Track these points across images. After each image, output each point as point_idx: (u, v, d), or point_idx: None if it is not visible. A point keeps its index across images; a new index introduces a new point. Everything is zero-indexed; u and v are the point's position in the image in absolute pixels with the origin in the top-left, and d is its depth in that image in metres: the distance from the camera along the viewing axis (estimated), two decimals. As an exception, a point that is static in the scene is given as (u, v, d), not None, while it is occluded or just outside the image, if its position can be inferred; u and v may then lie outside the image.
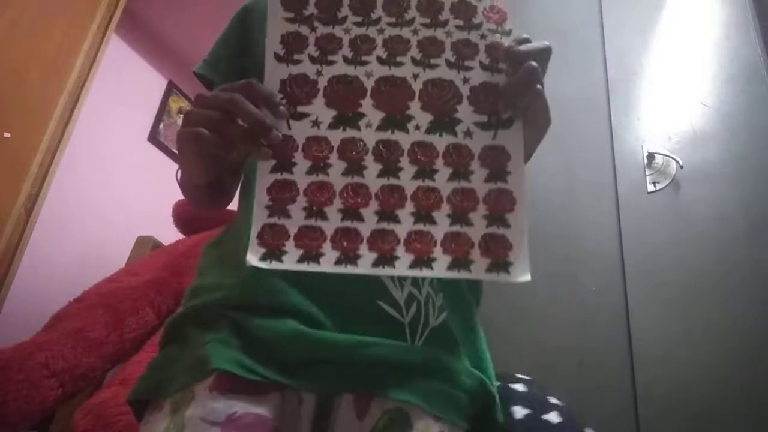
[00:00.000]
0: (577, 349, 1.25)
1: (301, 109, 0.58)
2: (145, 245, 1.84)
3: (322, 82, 0.58)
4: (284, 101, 0.58)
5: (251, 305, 0.59)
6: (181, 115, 3.38)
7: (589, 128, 1.47)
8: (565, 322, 1.28)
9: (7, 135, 1.92)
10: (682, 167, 1.30)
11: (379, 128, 0.58)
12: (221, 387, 0.55)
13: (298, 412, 0.59)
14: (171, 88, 3.35)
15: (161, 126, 3.27)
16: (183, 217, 1.78)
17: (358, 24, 0.59)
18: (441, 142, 0.58)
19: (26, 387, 1.22)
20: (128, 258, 1.87)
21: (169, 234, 1.83)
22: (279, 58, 0.59)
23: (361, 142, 0.58)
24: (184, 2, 2.91)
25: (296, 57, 0.59)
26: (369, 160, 0.57)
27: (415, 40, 0.59)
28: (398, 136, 0.58)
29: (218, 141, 0.55)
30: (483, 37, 0.59)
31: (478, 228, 0.56)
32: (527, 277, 0.55)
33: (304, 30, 0.59)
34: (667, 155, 1.33)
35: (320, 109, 0.58)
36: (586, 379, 1.21)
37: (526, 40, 0.58)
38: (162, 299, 1.46)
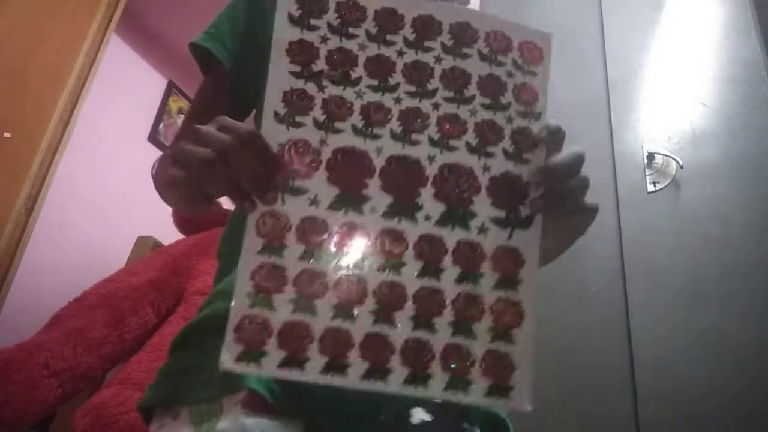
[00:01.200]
0: (577, 349, 1.25)
1: (299, 183, 0.50)
2: (145, 245, 1.84)
3: (326, 154, 0.51)
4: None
5: None
6: (182, 116, 3.38)
7: (589, 128, 1.47)
8: (565, 322, 1.28)
9: (7, 135, 1.92)
10: (682, 167, 1.30)
11: (385, 215, 0.51)
12: (253, 404, 0.55)
13: None
14: (171, 88, 3.35)
15: (161, 126, 3.27)
16: (183, 217, 1.78)
17: (373, 88, 0.52)
18: (452, 237, 0.51)
19: (26, 387, 1.22)
20: (128, 258, 1.87)
21: (169, 234, 1.83)
22: (279, 119, 0.51)
23: (363, 230, 0.50)
24: (184, 2, 2.91)
25: (299, 119, 0.51)
26: (369, 252, 0.50)
27: (435, 115, 0.52)
28: (405, 225, 0.51)
29: (209, 187, 0.49)
30: (510, 120, 0.53)
31: (480, 342, 0.50)
32: (527, 407, 0.49)
33: (310, 88, 0.52)
34: (667, 155, 1.33)
35: (321, 186, 0.50)
36: (586, 379, 1.21)
37: (558, 131, 0.53)
38: (162, 299, 1.46)
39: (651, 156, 1.36)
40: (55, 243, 2.53)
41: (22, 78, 1.96)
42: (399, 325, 0.49)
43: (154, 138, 3.21)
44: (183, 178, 0.49)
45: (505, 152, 0.53)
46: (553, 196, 0.51)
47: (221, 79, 0.78)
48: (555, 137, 0.52)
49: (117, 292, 1.46)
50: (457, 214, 0.52)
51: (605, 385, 1.19)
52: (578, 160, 0.52)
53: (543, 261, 0.55)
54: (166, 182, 0.53)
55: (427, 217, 0.51)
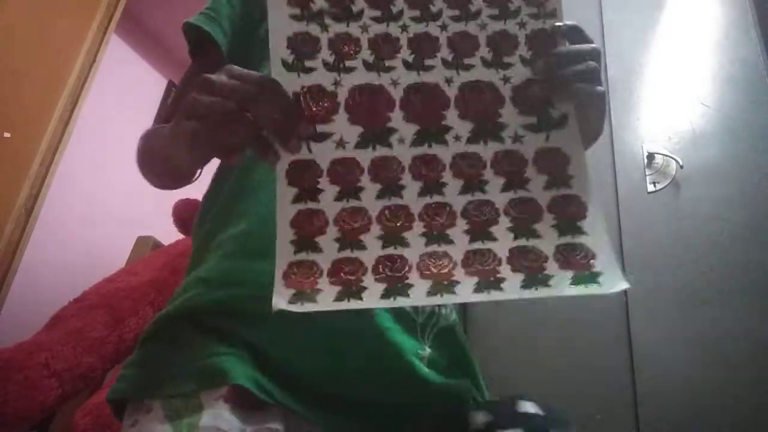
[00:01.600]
0: (577, 350, 1.25)
1: (321, 128, 0.50)
2: (145, 245, 1.84)
3: (342, 94, 0.50)
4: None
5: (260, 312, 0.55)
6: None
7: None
8: (565, 321, 1.28)
9: (7, 135, 1.92)
10: (682, 167, 1.30)
11: (414, 143, 0.50)
12: (236, 399, 0.53)
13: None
14: (171, 88, 3.35)
15: (163, 123, 3.27)
16: (183, 217, 1.78)
17: (377, 20, 0.51)
18: (487, 150, 0.51)
19: (26, 387, 1.22)
20: (128, 258, 1.87)
21: (169, 234, 1.83)
22: (288, 66, 0.50)
23: (395, 161, 0.50)
24: (184, 2, 2.91)
25: (308, 64, 0.50)
26: (407, 179, 0.50)
27: (445, 37, 0.51)
28: (437, 149, 0.50)
29: (232, 138, 0.47)
30: (522, 25, 0.51)
31: (549, 240, 0.49)
32: (623, 286, 0.47)
33: (314, 29, 0.50)
34: (667, 155, 1.33)
35: (344, 127, 0.50)
36: (586, 379, 1.21)
37: (575, 29, 0.52)
38: (162, 299, 1.46)
39: (651, 156, 1.36)
40: (55, 243, 2.53)
41: (22, 78, 1.96)
42: (455, 240, 0.49)
43: (154, 138, 3.20)
44: (203, 132, 0.47)
45: (523, 59, 0.51)
46: (563, 80, 0.51)
47: (216, 64, 0.77)
48: (572, 29, 0.52)
49: (117, 292, 1.46)
50: (486, 129, 0.51)
51: (605, 385, 1.19)
52: (590, 49, 0.52)
53: (587, 147, 0.56)
54: (179, 138, 0.49)
55: (457, 137, 0.51)
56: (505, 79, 0.51)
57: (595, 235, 0.50)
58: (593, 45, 0.52)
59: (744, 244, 1.18)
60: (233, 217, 0.65)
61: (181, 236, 1.79)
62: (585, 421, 1.17)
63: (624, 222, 1.32)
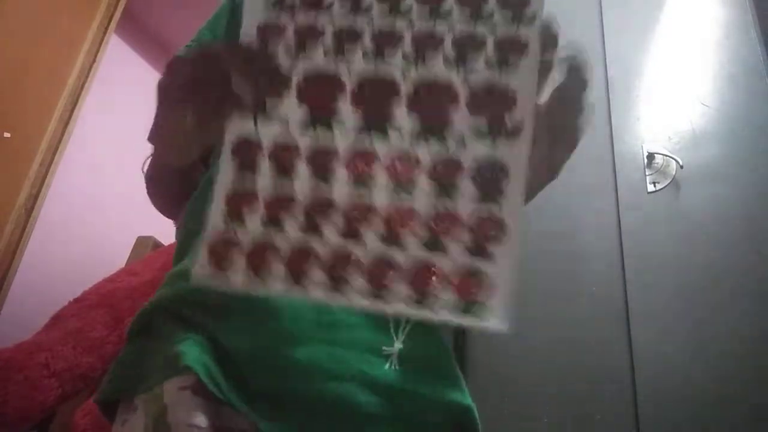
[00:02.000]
0: (577, 350, 1.25)
1: (270, 107, 0.51)
2: (145, 245, 1.84)
3: (297, 76, 0.51)
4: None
5: (225, 304, 0.57)
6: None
7: (589, 128, 1.47)
8: (565, 322, 1.28)
9: (7, 135, 1.92)
10: (682, 167, 1.30)
11: (356, 131, 0.50)
12: (195, 387, 0.53)
13: None
14: (171, 88, 3.35)
15: (161, 126, 3.27)
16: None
17: (344, 12, 0.52)
18: (427, 151, 0.49)
19: (26, 387, 1.22)
20: (128, 258, 1.87)
21: (169, 234, 1.82)
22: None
23: (332, 148, 0.50)
24: (184, 2, 2.91)
25: (271, 50, 0.52)
26: (338, 167, 0.50)
27: (410, 33, 0.51)
28: (377, 142, 0.50)
29: (219, 95, 0.50)
30: (493, 29, 0.50)
31: (453, 258, 0.47)
32: (502, 326, 0.46)
33: (283, 19, 0.52)
34: (667, 155, 1.33)
35: (291, 108, 0.51)
36: (586, 379, 1.21)
37: (553, 37, 0.49)
38: (162, 299, 1.46)
39: (651, 156, 1.36)
40: (55, 243, 2.53)
41: (22, 78, 1.96)
42: (367, 241, 0.48)
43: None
44: (199, 105, 0.50)
45: (488, 62, 0.49)
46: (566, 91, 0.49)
47: None
48: (547, 33, 0.48)
49: (117, 292, 1.46)
50: (432, 128, 0.49)
51: (605, 385, 1.19)
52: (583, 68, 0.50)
53: (535, 182, 0.53)
54: (169, 112, 0.53)
55: (400, 133, 0.50)
56: (465, 80, 0.49)
57: (503, 265, 0.47)
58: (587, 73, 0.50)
59: (744, 244, 1.18)
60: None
61: (181, 236, 1.79)
62: (585, 421, 1.17)
63: (624, 222, 1.32)
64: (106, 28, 2.26)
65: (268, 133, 0.51)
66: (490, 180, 0.48)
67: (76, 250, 2.66)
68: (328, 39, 0.51)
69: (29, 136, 2.00)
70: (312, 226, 0.49)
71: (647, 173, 1.35)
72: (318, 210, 0.49)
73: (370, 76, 0.51)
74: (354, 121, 0.50)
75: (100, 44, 2.23)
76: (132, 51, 3.11)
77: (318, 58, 0.51)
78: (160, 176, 0.68)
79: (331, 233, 0.48)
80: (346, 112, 0.50)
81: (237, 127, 0.51)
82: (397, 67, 0.51)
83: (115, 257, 2.03)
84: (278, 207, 0.49)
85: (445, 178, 0.49)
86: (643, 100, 1.45)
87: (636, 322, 1.22)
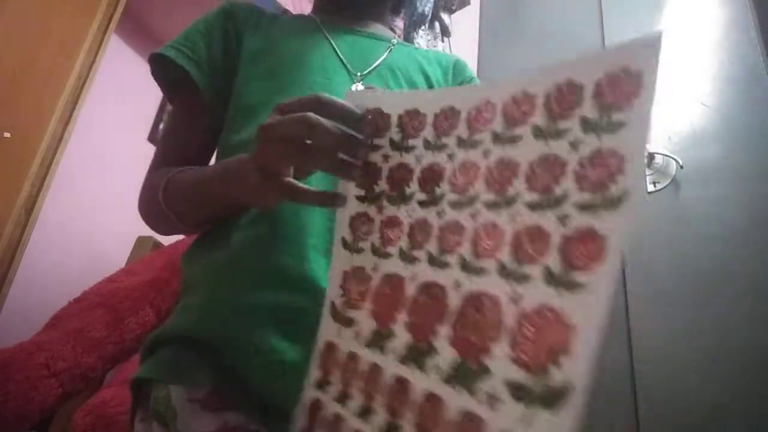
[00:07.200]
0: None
1: (350, 314, 0.47)
2: (145, 245, 1.84)
3: (375, 281, 0.46)
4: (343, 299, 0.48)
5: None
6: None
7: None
8: (565, 322, 1.28)
9: (7, 135, 1.92)
10: (682, 167, 1.30)
11: (402, 359, 0.42)
12: (205, 401, 0.55)
13: None
14: (171, 88, 3.35)
15: (161, 126, 3.27)
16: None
17: (422, 203, 0.45)
18: (455, 400, 0.38)
19: (26, 387, 1.22)
20: (128, 258, 1.87)
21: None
22: (346, 245, 0.49)
23: (383, 376, 0.43)
24: (184, 2, 2.91)
25: (360, 245, 0.48)
26: (378, 403, 0.43)
27: (472, 228, 0.41)
28: (414, 376, 0.41)
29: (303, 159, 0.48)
30: (563, 220, 0.36)
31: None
32: None
33: (371, 211, 0.48)
34: (667, 155, 1.33)
35: (364, 319, 0.46)
36: (586, 379, 1.21)
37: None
38: (162, 299, 1.46)
39: (651, 156, 1.36)
40: (55, 243, 2.53)
41: (22, 78, 1.96)
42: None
43: (154, 138, 3.20)
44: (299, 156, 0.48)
45: (548, 274, 0.35)
46: None
47: (197, 105, 0.75)
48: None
49: (117, 292, 1.46)
50: (470, 370, 0.37)
51: (605, 385, 1.19)
52: None
53: None
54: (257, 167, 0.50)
55: (438, 369, 0.40)
56: (514, 300, 0.37)
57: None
58: None
59: (744, 244, 1.18)
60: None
61: (181, 236, 1.79)
62: (585, 420, 1.17)
63: (624, 222, 1.32)
64: (106, 28, 2.25)
65: (345, 345, 0.47)
66: None
67: (76, 250, 2.66)
68: (405, 236, 0.46)
69: (29, 136, 2.00)
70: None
71: (647, 173, 1.35)
72: None
73: (430, 284, 0.43)
74: (402, 344, 0.43)
75: (100, 44, 2.23)
76: (132, 51, 3.11)
77: (394, 259, 0.46)
78: (203, 205, 0.66)
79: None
80: (400, 330, 0.44)
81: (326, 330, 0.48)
82: (451, 274, 0.42)
83: (115, 257, 2.03)
84: None
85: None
86: (643, 100, 1.44)
87: (636, 322, 1.22)
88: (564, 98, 0.37)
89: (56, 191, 2.17)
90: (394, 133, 0.48)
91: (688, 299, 1.18)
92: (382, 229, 0.47)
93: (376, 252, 0.46)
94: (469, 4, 1.99)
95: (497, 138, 0.41)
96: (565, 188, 0.36)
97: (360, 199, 0.49)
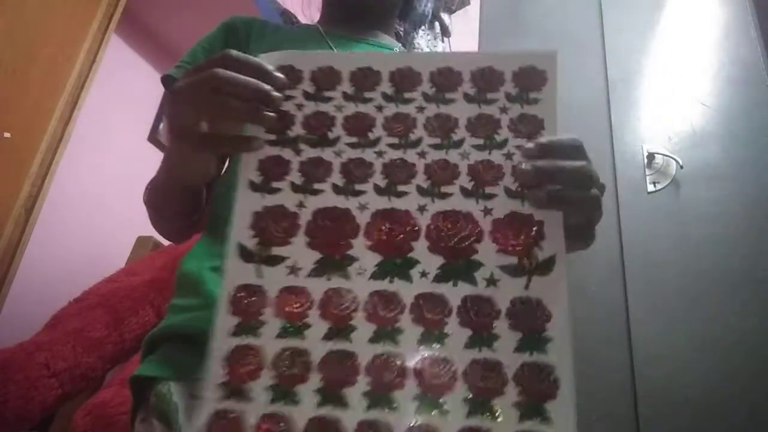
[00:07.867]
0: (577, 349, 1.25)
1: (275, 251, 0.46)
2: (145, 245, 1.84)
3: (305, 217, 0.47)
4: (256, 240, 0.46)
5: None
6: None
7: (589, 128, 1.47)
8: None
9: (7, 135, 1.92)
10: (682, 167, 1.30)
11: (375, 276, 0.45)
12: None
13: None
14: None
15: (161, 126, 3.27)
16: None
17: (352, 145, 0.49)
18: (455, 293, 0.43)
19: (26, 387, 1.22)
20: (128, 258, 1.87)
21: (169, 234, 1.82)
22: (254, 187, 0.48)
23: (350, 295, 0.44)
24: (184, 2, 2.91)
25: (275, 185, 0.48)
26: (359, 318, 0.43)
27: (422, 164, 0.47)
28: (399, 285, 0.44)
29: (222, 113, 0.48)
30: (509, 156, 0.47)
31: (505, 422, 0.40)
32: None
33: (287, 153, 0.49)
34: (667, 155, 1.33)
35: (300, 252, 0.46)
36: (586, 378, 1.21)
37: (550, 145, 0.47)
38: (162, 299, 1.46)
39: (651, 156, 1.36)
40: (55, 243, 2.53)
41: (22, 78, 1.96)
42: (400, 407, 0.41)
43: (154, 138, 3.20)
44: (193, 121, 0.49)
45: (508, 191, 0.46)
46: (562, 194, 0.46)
47: None
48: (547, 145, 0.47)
49: (117, 292, 1.47)
50: (458, 266, 0.44)
51: (605, 384, 1.19)
52: (568, 141, 0.48)
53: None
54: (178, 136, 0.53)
55: (424, 274, 0.44)
56: (486, 211, 0.46)
57: (560, 425, 0.40)
58: (574, 139, 0.49)
59: (744, 244, 1.18)
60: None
61: (181, 236, 1.79)
62: (585, 419, 1.17)
63: (624, 222, 1.32)
64: (106, 28, 2.25)
65: (274, 282, 0.45)
66: (533, 324, 0.43)
67: (76, 250, 2.66)
68: (337, 173, 0.48)
69: (29, 136, 2.00)
70: (332, 395, 0.42)
71: (647, 173, 1.35)
72: (339, 370, 0.42)
73: (385, 212, 0.47)
74: (371, 264, 0.45)
75: (100, 44, 2.23)
76: (132, 51, 3.11)
77: (327, 194, 0.48)
78: (166, 197, 0.68)
79: (357, 401, 0.41)
80: (362, 253, 0.46)
81: (236, 276, 0.46)
82: (413, 200, 0.47)
83: (115, 257, 2.03)
84: (288, 370, 0.42)
85: (479, 323, 0.43)
86: (643, 100, 1.45)
87: (636, 322, 1.22)
88: (488, 78, 0.49)
89: (56, 191, 2.17)
90: (307, 86, 0.51)
91: (688, 299, 1.18)
92: (302, 169, 0.49)
93: (299, 189, 0.48)
94: (469, 4, 1.99)
95: (428, 98, 0.50)
96: (504, 135, 0.48)
97: (271, 143, 0.50)
